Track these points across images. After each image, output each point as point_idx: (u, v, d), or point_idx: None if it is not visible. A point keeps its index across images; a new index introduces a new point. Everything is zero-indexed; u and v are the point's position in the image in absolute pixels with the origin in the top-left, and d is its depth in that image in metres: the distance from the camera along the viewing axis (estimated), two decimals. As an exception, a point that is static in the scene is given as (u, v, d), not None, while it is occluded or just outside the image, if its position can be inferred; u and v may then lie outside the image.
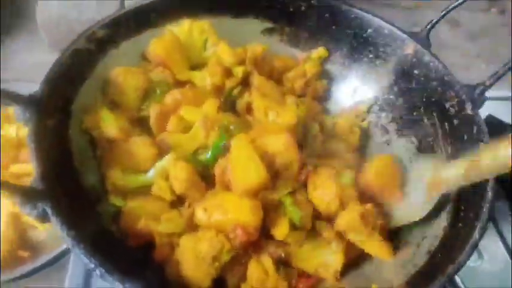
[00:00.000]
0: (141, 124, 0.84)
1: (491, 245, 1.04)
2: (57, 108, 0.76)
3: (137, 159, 0.77)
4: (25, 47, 1.41)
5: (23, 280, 0.89)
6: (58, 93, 0.76)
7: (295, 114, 0.83)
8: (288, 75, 0.99)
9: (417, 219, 0.77)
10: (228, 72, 0.91)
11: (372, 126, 0.99)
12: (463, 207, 0.75)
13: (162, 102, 0.83)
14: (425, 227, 0.78)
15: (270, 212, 0.72)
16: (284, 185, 0.75)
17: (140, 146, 0.77)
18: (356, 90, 1.02)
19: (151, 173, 0.76)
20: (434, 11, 0.92)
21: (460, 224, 0.73)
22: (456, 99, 0.84)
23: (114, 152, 0.78)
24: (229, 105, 0.90)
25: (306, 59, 1.02)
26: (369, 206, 0.74)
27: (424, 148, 0.90)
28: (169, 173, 0.74)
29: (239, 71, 0.91)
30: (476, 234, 0.68)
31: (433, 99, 0.88)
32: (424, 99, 0.90)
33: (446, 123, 0.85)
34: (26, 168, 0.94)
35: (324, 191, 0.75)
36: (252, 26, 1.02)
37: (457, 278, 0.95)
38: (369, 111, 1.00)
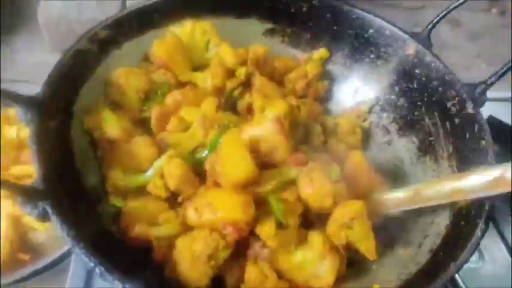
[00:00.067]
0: (142, 125, 0.84)
1: (492, 246, 1.04)
2: (59, 109, 0.76)
3: (138, 159, 0.77)
4: (26, 47, 1.41)
5: (24, 283, 0.89)
6: (60, 94, 0.77)
7: (286, 104, 0.83)
8: (289, 76, 0.99)
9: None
10: (229, 73, 0.92)
11: (373, 127, 1.00)
12: (464, 206, 0.74)
13: (163, 103, 0.83)
14: (426, 226, 0.78)
15: (256, 209, 0.71)
16: (272, 176, 0.73)
17: (142, 146, 0.77)
18: (357, 91, 1.02)
19: (150, 172, 0.76)
20: (436, 11, 0.92)
21: (462, 222, 0.73)
22: (457, 98, 0.84)
23: (115, 152, 0.78)
24: (230, 105, 0.90)
25: (307, 60, 1.02)
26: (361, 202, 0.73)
27: (425, 148, 0.90)
28: (164, 170, 0.74)
29: (242, 72, 0.91)
30: (478, 232, 0.68)
31: (434, 99, 0.88)
32: (425, 99, 0.90)
33: (447, 123, 0.85)
34: (27, 170, 0.94)
35: (317, 186, 0.72)
36: (254, 27, 1.02)
37: (459, 279, 0.94)
38: (370, 111, 1.00)
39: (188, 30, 0.93)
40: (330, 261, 0.71)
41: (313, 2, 0.98)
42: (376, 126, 0.99)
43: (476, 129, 0.79)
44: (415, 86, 0.92)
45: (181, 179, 0.73)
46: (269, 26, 1.03)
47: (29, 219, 0.92)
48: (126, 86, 0.84)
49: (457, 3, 0.90)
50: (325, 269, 0.71)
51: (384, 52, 0.97)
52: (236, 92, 0.92)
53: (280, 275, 0.71)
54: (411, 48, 0.92)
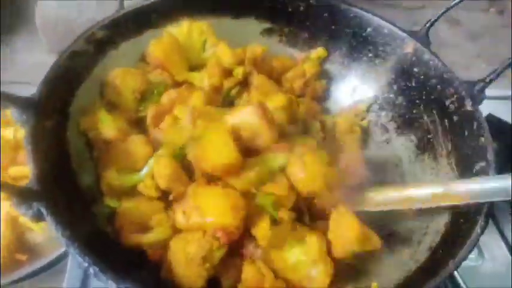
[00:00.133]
0: (138, 125, 0.83)
1: (492, 244, 1.04)
2: (55, 110, 0.76)
3: (134, 157, 0.76)
4: (25, 47, 1.41)
5: (21, 283, 0.89)
6: (56, 95, 0.76)
7: (285, 97, 0.83)
8: (287, 76, 0.99)
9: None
10: (226, 73, 0.91)
11: (372, 125, 0.99)
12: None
13: (159, 103, 0.83)
14: (425, 224, 0.78)
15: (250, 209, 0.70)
16: (255, 162, 0.72)
17: (137, 145, 0.77)
18: (355, 90, 1.02)
19: (144, 171, 0.75)
20: (436, 11, 0.92)
21: (461, 220, 0.73)
22: (456, 96, 0.84)
23: (110, 153, 0.78)
24: (227, 105, 0.90)
25: (305, 59, 1.02)
26: None
27: (424, 146, 0.89)
28: (154, 170, 0.74)
29: (239, 72, 0.91)
30: (477, 229, 0.68)
31: (433, 97, 0.88)
32: (423, 97, 0.90)
33: (446, 120, 0.85)
34: (24, 171, 0.94)
35: (310, 170, 0.72)
36: (252, 27, 1.02)
37: (458, 278, 0.94)
38: (368, 110, 1.00)
39: (185, 30, 0.93)
40: (325, 265, 0.70)
41: (311, 1, 0.98)
42: (375, 124, 0.99)
43: (475, 126, 0.79)
44: (413, 84, 0.92)
45: (171, 178, 0.72)
46: (267, 25, 1.02)
47: (26, 219, 0.92)
48: (123, 87, 0.84)
49: (456, 1, 0.90)
50: (320, 270, 0.70)
51: (382, 51, 0.96)
52: (234, 91, 0.91)
53: (275, 275, 0.71)
54: (409, 46, 0.92)
